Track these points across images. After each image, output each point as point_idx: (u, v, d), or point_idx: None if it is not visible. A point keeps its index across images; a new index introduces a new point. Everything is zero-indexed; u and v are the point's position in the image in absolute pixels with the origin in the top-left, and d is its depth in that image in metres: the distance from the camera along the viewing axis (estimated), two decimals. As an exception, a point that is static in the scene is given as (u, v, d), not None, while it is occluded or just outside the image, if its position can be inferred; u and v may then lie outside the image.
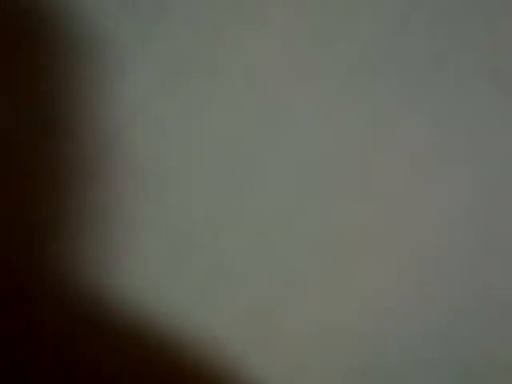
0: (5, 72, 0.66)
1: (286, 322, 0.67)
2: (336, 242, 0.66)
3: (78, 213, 0.66)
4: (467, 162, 0.65)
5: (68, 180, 0.66)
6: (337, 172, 0.66)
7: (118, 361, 0.67)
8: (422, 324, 0.66)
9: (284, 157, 0.66)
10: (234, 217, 0.66)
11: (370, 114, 0.65)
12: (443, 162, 0.65)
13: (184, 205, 0.67)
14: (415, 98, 0.65)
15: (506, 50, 0.64)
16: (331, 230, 0.66)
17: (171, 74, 0.66)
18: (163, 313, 0.67)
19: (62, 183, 0.66)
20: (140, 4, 0.66)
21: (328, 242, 0.66)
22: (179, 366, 0.67)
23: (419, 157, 0.65)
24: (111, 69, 0.66)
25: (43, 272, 0.67)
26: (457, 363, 0.66)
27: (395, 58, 0.65)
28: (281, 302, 0.66)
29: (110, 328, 0.67)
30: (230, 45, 0.66)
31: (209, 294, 0.67)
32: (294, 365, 0.67)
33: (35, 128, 0.66)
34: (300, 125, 0.66)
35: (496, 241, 0.65)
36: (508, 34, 0.64)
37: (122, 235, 0.67)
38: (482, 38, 0.64)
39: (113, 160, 0.66)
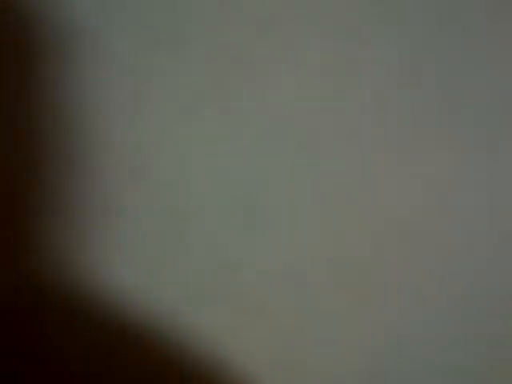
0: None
1: (285, 323, 0.67)
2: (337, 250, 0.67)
3: (77, 212, 0.67)
4: (471, 164, 0.65)
5: (66, 180, 0.66)
6: (353, 199, 0.66)
7: (117, 360, 0.67)
8: (422, 325, 0.66)
9: (299, 184, 0.66)
10: (244, 237, 0.67)
11: (383, 144, 0.66)
12: (446, 164, 0.65)
13: (187, 211, 0.67)
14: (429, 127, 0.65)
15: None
16: (344, 258, 0.66)
17: (185, 106, 0.66)
18: (162, 312, 0.67)
19: (65, 182, 0.66)
20: (161, 31, 0.66)
21: (329, 249, 0.66)
22: (177, 366, 0.67)
23: (423, 164, 0.66)
24: (127, 100, 0.66)
25: (42, 272, 0.67)
26: (458, 365, 0.66)
27: (408, 90, 0.65)
28: (280, 303, 0.67)
29: (108, 327, 0.67)
30: (247, 72, 0.66)
31: (208, 295, 0.67)
32: (293, 366, 0.67)
33: (34, 127, 0.66)
34: (314, 155, 0.66)
35: (498, 243, 0.66)
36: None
37: (123, 236, 0.67)
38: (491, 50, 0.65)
39: (116, 166, 0.67)
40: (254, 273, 0.66)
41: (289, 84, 0.65)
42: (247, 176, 0.66)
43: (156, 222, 0.66)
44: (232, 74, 0.66)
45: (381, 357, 0.66)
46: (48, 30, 0.66)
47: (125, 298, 0.67)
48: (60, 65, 0.66)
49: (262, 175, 0.66)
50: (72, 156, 0.66)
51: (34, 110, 0.66)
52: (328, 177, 0.66)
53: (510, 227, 0.65)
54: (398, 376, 0.67)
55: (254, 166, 0.66)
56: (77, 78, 0.66)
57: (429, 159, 0.65)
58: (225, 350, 0.67)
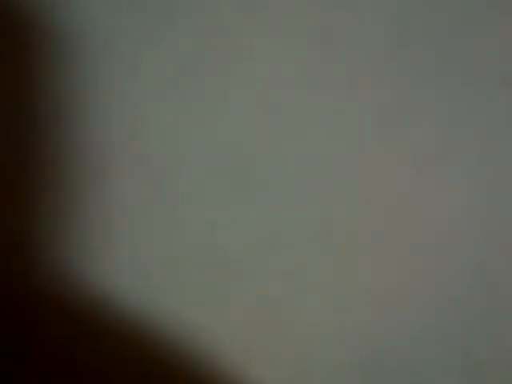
0: (6, 73, 0.67)
1: (286, 323, 0.67)
2: (337, 242, 0.66)
3: (79, 211, 0.67)
4: (470, 162, 0.65)
5: (70, 179, 0.67)
6: (338, 172, 0.66)
7: (117, 361, 0.67)
8: (422, 323, 0.66)
9: (286, 157, 0.66)
10: (235, 217, 0.67)
11: (372, 116, 0.66)
12: (446, 162, 0.65)
13: (186, 204, 0.67)
14: (418, 100, 0.65)
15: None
16: (333, 230, 0.66)
17: (178, 73, 0.66)
18: (163, 314, 0.67)
19: (64, 182, 0.67)
20: (147, 4, 0.66)
21: (329, 242, 0.66)
22: (179, 368, 0.67)
23: (421, 157, 0.65)
24: (118, 68, 0.66)
25: (44, 272, 0.67)
26: (458, 361, 0.66)
27: (398, 59, 0.65)
28: (282, 302, 0.66)
29: (109, 329, 0.67)
30: (234, 46, 0.66)
31: (209, 294, 0.67)
32: (295, 365, 0.67)
33: (39, 127, 0.67)
34: (301, 125, 0.66)
35: (497, 240, 0.65)
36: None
37: (123, 235, 0.67)
38: (487, 39, 0.65)
39: (115, 159, 0.67)
40: (241, 235, 0.66)
41: (276, 55, 0.66)
42: (238, 138, 0.66)
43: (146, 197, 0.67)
44: (219, 47, 0.66)
45: (355, 317, 0.66)
46: (48, 30, 0.66)
47: (124, 297, 0.67)
48: (60, 64, 0.66)
49: (253, 137, 0.66)
50: (71, 155, 0.66)
51: (33, 110, 0.66)
52: (316, 140, 0.66)
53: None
54: (382, 337, 0.66)
55: (246, 127, 0.66)
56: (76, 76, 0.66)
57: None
58: (206, 315, 0.67)
